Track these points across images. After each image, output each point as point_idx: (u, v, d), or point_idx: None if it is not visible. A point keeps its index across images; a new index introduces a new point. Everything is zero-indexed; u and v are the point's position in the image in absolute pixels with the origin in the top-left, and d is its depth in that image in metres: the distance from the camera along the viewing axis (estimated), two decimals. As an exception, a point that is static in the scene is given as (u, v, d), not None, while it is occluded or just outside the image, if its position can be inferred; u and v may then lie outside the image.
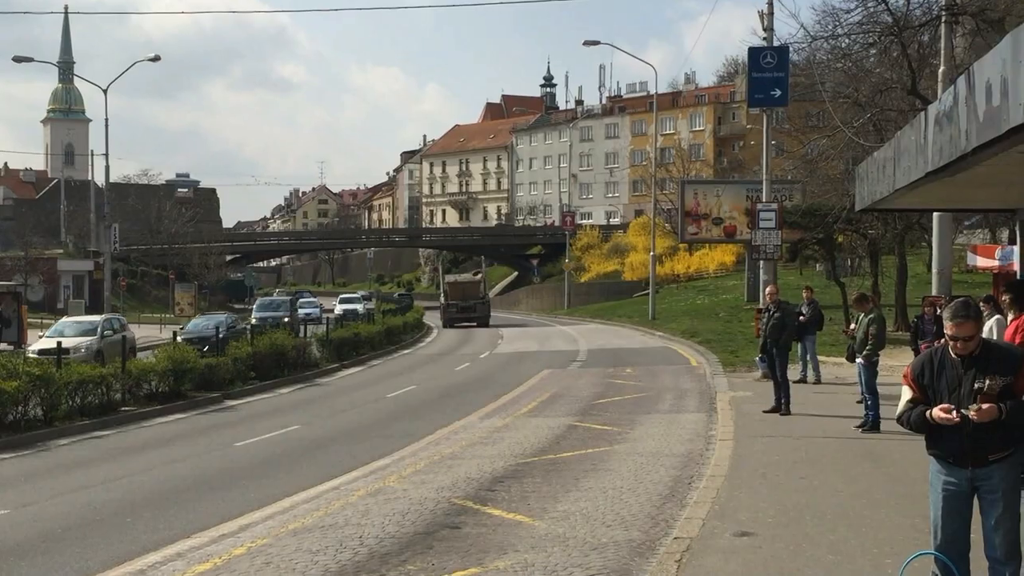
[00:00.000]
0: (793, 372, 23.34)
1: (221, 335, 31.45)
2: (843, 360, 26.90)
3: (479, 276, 76.74)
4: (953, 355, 6.51)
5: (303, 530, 11.40)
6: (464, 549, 10.14)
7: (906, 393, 6.67)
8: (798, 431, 16.48)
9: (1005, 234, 48.09)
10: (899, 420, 6.70)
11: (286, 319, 47.98)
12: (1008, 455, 6.42)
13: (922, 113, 11.21)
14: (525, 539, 10.48)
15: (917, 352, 20.75)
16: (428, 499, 12.77)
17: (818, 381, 23.29)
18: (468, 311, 62.74)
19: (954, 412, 6.32)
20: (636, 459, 15.16)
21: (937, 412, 6.40)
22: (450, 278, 72.07)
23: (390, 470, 15.51)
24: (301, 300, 70.78)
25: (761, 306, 24.51)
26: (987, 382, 6.34)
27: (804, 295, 24.23)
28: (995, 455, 6.41)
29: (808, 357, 23.65)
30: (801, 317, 22.77)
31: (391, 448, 17.82)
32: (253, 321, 46.83)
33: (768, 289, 20.69)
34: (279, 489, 14.29)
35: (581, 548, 9.97)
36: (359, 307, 65.43)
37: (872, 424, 16.40)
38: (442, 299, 65.92)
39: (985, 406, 6.27)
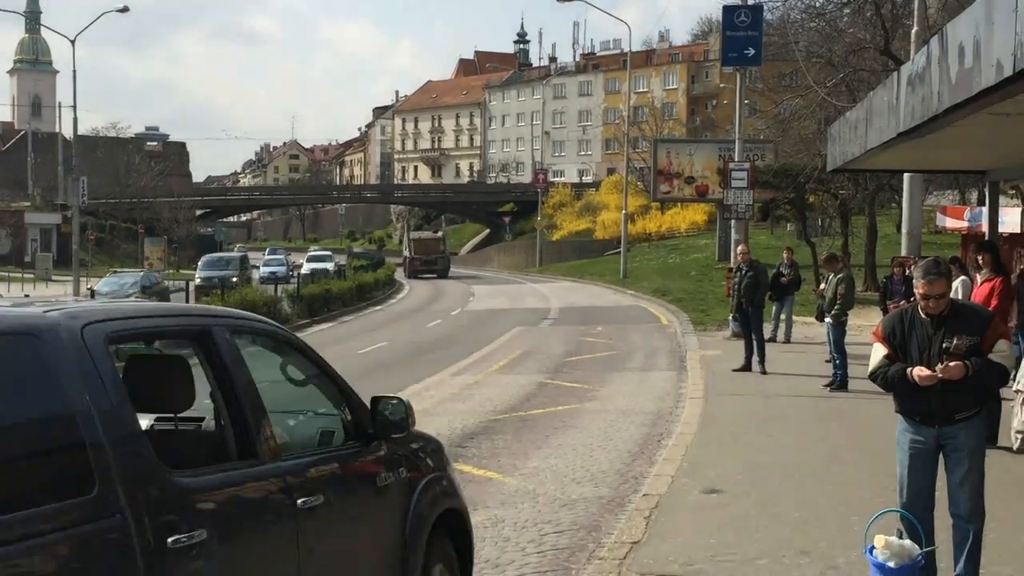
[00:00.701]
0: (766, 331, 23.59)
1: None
2: (812, 320, 27.16)
3: (440, 234, 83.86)
4: (923, 315, 6.56)
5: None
6: (435, 505, 10.17)
7: (879, 350, 6.69)
8: (767, 390, 16.59)
9: (974, 195, 48.44)
10: (872, 376, 6.72)
11: (234, 279, 42.38)
12: (974, 414, 6.50)
13: (894, 74, 11.26)
14: (495, 495, 10.53)
15: (886, 312, 20.89)
16: (399, 455, 12.79)
17: (788, 340, 23.43)
18: (430, 264, 69.55)
19: (937, 371, 6.37)
20: (606, 416, 15.23)
21: (919, 372, 6.40)
22: (415, 235, 79.35)
23: (361, 426, 15.50)
24: (268, 257, 69.11)
25: (732, 265, 24.64)
26: (955, 341, 6.40)
27: (784, 256, 24.31)
28: (962, 414, 6.48)
29: (784, 317, 23.80)
30: (783, 278, 22.93)
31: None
32: (197, 281, 43.00)
33: (740, 248, 20.73)
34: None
35: (551, 504, 10.03)
36: (329, 265, 60.41)
37: (840, 383, 16.53)
38: (406, 252, 73.07)
39: (952, 364, 6.33)
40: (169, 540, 3.80)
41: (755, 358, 18.70)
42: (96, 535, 3.55)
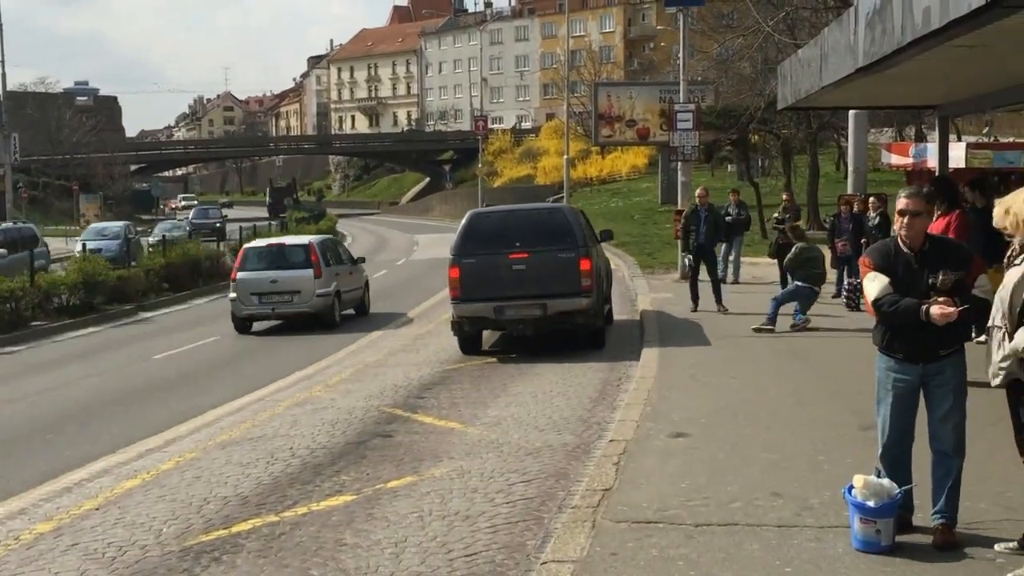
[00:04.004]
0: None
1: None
2: (759, 260, 27.28)
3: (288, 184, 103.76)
4: (905, 250, 6.48)
5: (231, 443, 11.20)
6: (398, 458, 10.03)
7: (879, 279, 6.46)
8: (722, 331, 16.56)
9: (912, 132, 48.80)
10: (877, 303, 6.44)
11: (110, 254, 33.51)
12: (957, 349, 6.46)
13: (850, 10, 11.13)
14: (459, 446, 10.40)
15: (833, 250, 20.99)
16: (357, 408, 12.63)
17: (736, 281, 23.48)
18: (279, 206, 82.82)
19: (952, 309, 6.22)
20: (563, 363, 15.12)
21: (936, 310, 6.21)
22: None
23: (315, 380, 15.33)
24: (197, 208, 67.50)
25: (680, 208, 24.65)
26: (940, 277, 6.31)
27: (731, 197, 24.40)
28: (946, 350, 6.42)
29: (732, 258, 23.84)
30: (728, 218, 23.04)
31: (314, 357, 17.62)
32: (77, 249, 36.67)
33: (699, 191, 20.70)
34: (203, 401, 14.07)
35: (516, 453, 9.92)
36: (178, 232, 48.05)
37: (769, 321, 16.44)
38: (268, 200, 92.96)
39: (941, 304, 6.24)
40: None
41: (712, 297, 18.78)
42: None
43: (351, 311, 23.17)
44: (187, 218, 63.15)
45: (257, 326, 21.71)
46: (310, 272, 21.45)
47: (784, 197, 24.33)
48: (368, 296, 24.24)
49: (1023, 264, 5.99)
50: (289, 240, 24.57)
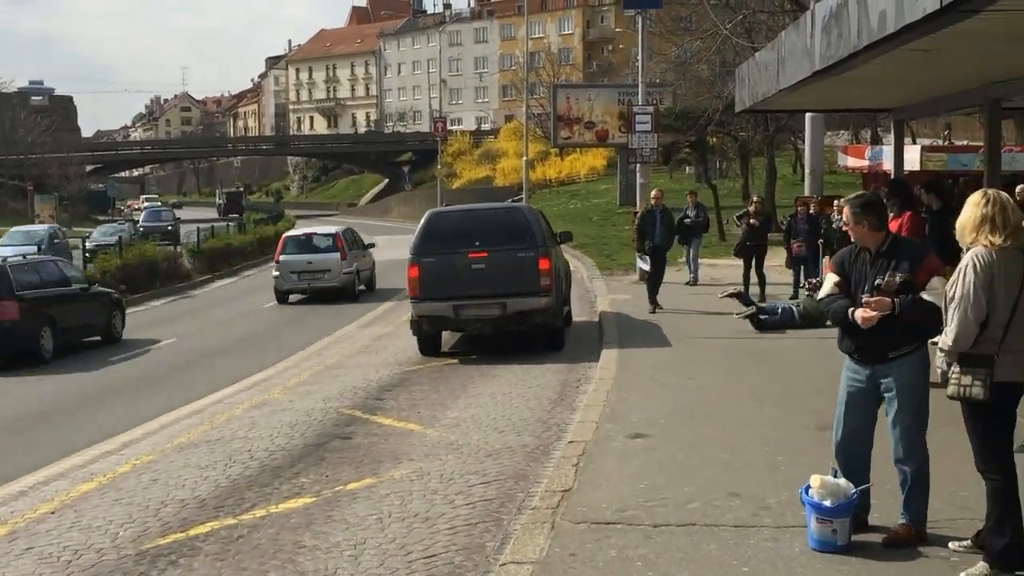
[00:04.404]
0: (682, 274, 23.82)
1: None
2: (717, 262, 27.48)
3: (242, 189, 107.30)
4: (864, 251, 6.58)
5: (189, 445, 11.13)
6: (357, 459, 10.01)
7: (830, 279, 6.73)
8: (680, 332, 16.63)
9: (868, 135, 49.28)
10: (821, 303, 6.83)
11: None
12: (907, 353, 6.44)
13: (807, 13, 11.23)
14: (418, 447, 10.39)
15: (789, 251, 21.18)
16: (316, 410, 12.58)
17: (695, 283, 23.59)
18: (235, 208, 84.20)
19: (873, 313, 6.36)
20: (522, 363, 15.14)
21: (860, 314, 6.37)
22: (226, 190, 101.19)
23: (274, 382, 15.27)
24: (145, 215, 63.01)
25: (637, 209, 24.78)
26: (886, 278, 6.38)
27: (689, 199, 24.52)
28: (894, 352, 6.45)
29: (691, 259, 23.98)
30: (687, 220, 23.21)
31: (272, 359, 17.55)
32: None
33: (654, 192, 20.99)
34: (161, 404, 13.97)
35: (476, 455, 9.92)
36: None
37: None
38: (219, 201, 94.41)
39: (873, 300, 6.33)
40: None
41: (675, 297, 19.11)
42: None
43: (363, 287, 28.02)
44: (131, 221, 61.69)
45: (213, 329, 21.57)
46: (337, 255, 26.93)
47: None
48: (375, 275, 29.14)
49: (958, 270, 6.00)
50: (320, 230, 29.68)
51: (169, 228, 53.78)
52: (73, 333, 19.79)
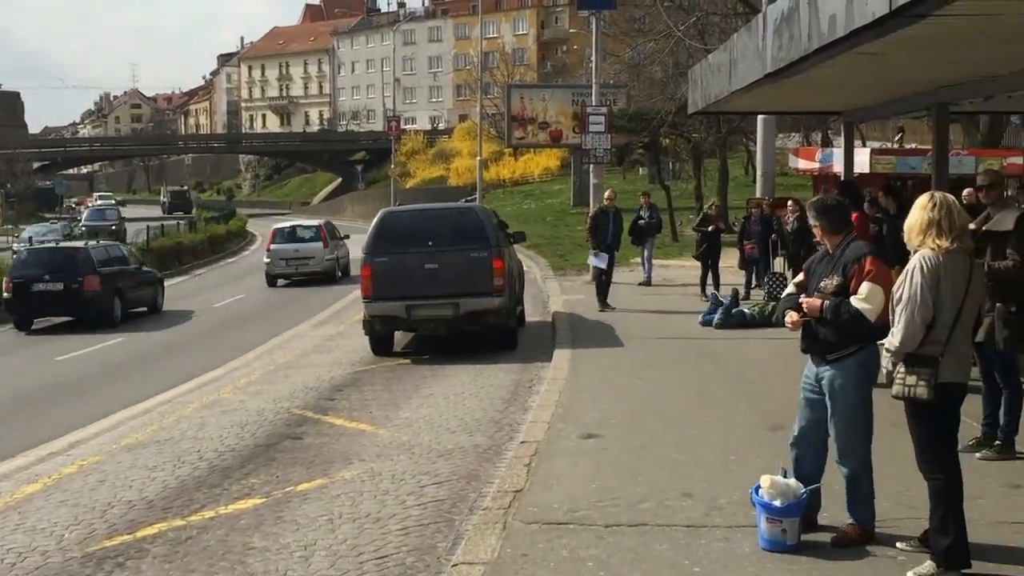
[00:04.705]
0: (636, 274, 23.95)
1: None
2: (670, 263, 27.63)
3: (186, 188, 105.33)
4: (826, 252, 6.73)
5: (137, 446, 11.01)
6: (308, 460, 9.94)
7: (794, 279, 6.88)
8: (633, 332, 16.68)
9: (819, 137, 49.70)
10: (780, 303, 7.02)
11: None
12: (845, 355, 6.46)
13: (759, 16, 11.29)
14: (370, 448, 10.34)
15: (742, 252, 21.35)
16: (267, 410, 12.49)
17: (649, 283, 23.69)
18: (181, 206, 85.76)
19: (796, 316, 6.60)
20: (475, 365, 15.12)
21: (787, 317, 6.64)
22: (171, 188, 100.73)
23: (224, 381, 15.14)
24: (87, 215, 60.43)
25: (590, 209, 24.85)
26: (826, 282, 6.46)
27: (642, 200, 24.65)
28: (832, 354, 6.50)
29: (644, 260, 24.09)
30: (641, 222, 23.38)
31: (223, 359, 17.41)
32: None
33: (608, 193, 21.14)
34: (108, 404, 13.81)
35: (428, 455, 9.88)
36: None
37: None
38: (164, 199, 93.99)
39: (805, 301, 6.47)
40: None
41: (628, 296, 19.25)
42: None
43: (340, 273, 31.94)
44: (69, 219, 60.10)
45: (163, 328, 21.42)
46: (320, 244, 31.56)
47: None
48: (350, 262, 31.62)
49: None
50: (305, 222, 35.23)
51: (113, 227, 51.35)
52: (133, 304, 24.26)
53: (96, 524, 8.23)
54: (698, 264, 21.39)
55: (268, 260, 31.19)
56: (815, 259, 6.88)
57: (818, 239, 6.93)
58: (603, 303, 19.40)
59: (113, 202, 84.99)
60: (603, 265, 19.73)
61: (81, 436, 11.83)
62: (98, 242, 26.66)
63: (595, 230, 20.15)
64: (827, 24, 8.09)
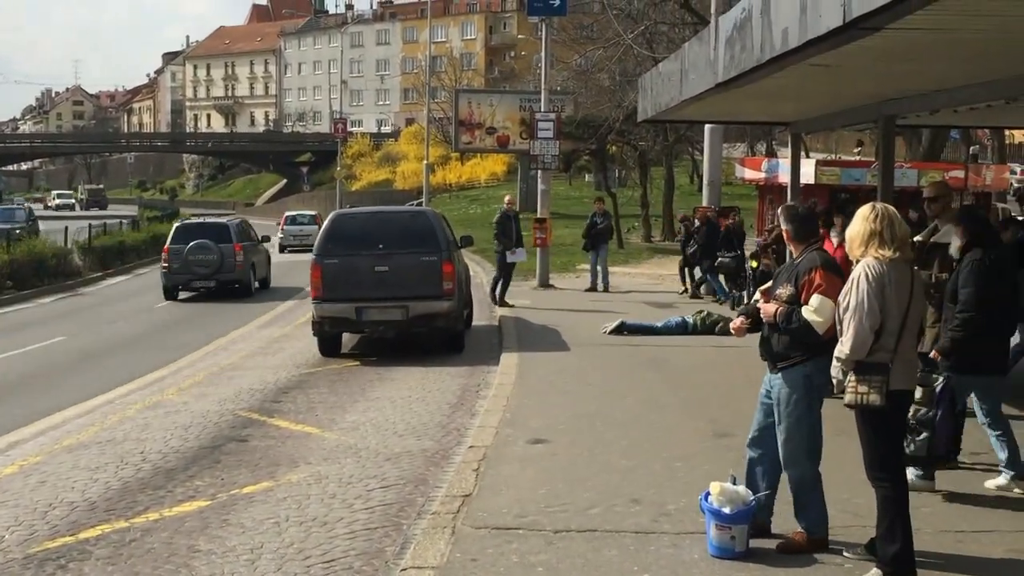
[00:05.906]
0: (583, 280, 24.15)
1: None
2: (615, 269, 27.73)
3: (101, 186, 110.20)
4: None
5: (79, 446, 10.84)
6: (254, 462, 9.85)
7: (762, 287, 6.95)
8: (579, 337, 16.72)
9: (763, 147, 50.20)
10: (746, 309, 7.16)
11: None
12: (792, 364, 6.51)
13: (710, 25, 11.37)
14: (316, 451, 10.26)
15: (687, 261, 21.55)
16: (211, 412, 12.36)
17: (606, 289, 23.81)
18: (97, 202, 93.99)
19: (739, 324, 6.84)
20: (422, 368, 15.07)
21: (732, 323, 6.79)
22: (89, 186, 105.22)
23: (167, 382, 14.96)
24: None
25: (541, 216, 25.18)
26: (780, 290, 6.53)
27: (596, 206, 24.92)
28: (780, 362, 6.56)
29: (600, 266, 24.19)
30: (597, 226, 23.73)
31: (166, 359, 17.20)
32: None
33: (507, 198, 22.95)
34: (49, 404, 13.58)
35: (375, 459, 9.83)
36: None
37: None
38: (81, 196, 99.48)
39: (762, 307, 6.56)
40: None
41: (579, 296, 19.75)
42: None
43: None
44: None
45: (105, 328, 21.14)
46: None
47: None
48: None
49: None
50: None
51: (18, 231, 38.23)
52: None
53: (37, 525, 8.09)
54: (644, 272, 21.63)
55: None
56: (783, 268, 6.98)
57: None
58: (500, 300, 20.80)
59: (72, 200, 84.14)
60: (524, 258, 21.35)
61: (21, 436, 11.63)
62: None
63: (502, 233, 21.35)
64: (780, 36, 8.16)
